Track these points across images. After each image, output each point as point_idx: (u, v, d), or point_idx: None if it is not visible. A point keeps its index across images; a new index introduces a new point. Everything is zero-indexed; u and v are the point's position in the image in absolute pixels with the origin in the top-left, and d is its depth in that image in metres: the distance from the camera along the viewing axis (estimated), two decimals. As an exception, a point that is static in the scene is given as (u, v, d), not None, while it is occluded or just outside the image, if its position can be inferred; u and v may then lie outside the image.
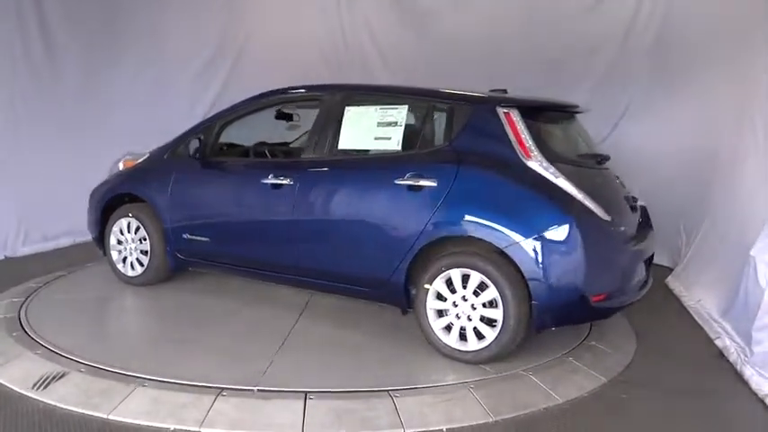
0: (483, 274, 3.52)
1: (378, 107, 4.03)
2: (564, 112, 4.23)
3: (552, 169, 3.52)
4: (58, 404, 3.03)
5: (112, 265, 5.02)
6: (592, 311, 3.58)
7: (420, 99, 4.10)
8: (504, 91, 4.11)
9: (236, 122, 4.71)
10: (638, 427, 3.09)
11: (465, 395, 3.20)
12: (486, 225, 3.52)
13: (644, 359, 3.89)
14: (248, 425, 2.90)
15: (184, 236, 4.64)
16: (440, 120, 3.92)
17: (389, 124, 3.95)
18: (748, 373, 3.58)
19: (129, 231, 4.91)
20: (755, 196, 4.39)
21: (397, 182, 3.75)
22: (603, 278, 3.55)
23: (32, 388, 3.16)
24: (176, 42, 7.36)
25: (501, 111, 3.68)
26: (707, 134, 5.78)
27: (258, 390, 3.18)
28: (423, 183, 3.68)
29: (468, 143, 3.73)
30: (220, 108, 4.98)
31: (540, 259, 3.39)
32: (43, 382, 3.20)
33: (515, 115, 3.65)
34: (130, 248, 4.91)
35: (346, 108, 4.13)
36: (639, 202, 4.24)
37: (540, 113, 3.92)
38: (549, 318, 3.52)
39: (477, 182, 3.64)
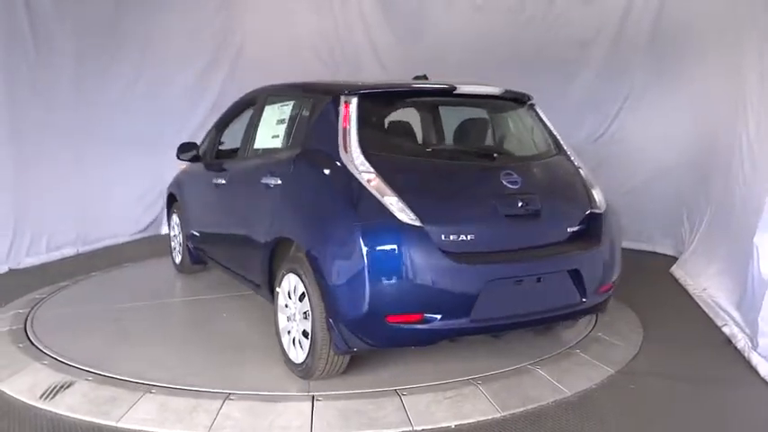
0: (302, 280, 3.24)
1: (279, 105, 4.04)
2: (452, 98, 3.81)
3: (365, 166, 3.09)
4: (66, 413, 3.02)
5: (171, 254, 5.72)
6: (399, 334, 3.00)
7: (299, 94, 3.92)
8: (425, 77, 3.94)
9: (231, 126, 4.88)
10: (648, 417, 3.07)
11: (472, 391, 3.19)
12: (296, 227, 3.37)
13: (651, 349, 3.87)
14: (256, 428, 2.90)
15: (191, 231, 5.14)
16: (308, 114, 3.66)
17: (280, 122, 3.93)
18: (755, 359, 3.57)
19: (176, 225, 5.58)
20: (752, 184, 4.40)
21: (261, 181, 3.69)
22: (410, 296, 2.95)
23: (40, 398, 3.16)
24: (173, 46, 7.36)
25: (342, 101, 3.34)
26: (705, 123, 5.79)
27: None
28: (272, 181, 3.58)
29: (313, 137, 3.48)
30: (220, 109, 5.31)
31: (325, 267, 3.04)
32: (50, 392, 3.20)
33: (352, 105, 3.29)
34: (176, 240, 5.57)
35: (265, 108, 4.18)
36: (593, 209, 3.53)
37: (404, 100, 3.70)
38: (345, 337, 3.05)
39: (300, 179, 3.44)
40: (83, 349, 3.70)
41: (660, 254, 6.39)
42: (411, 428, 2.89)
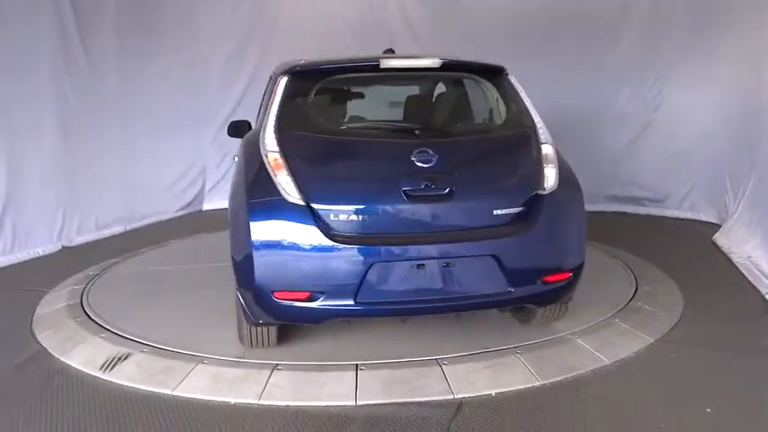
0: None
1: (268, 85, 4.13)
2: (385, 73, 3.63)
3: (272, 144, 3.17)
4: (126, 383, 3.20)
5: None
6: (289, 311, 3.07)
7: (272, 74, 3.97)
8: (392, 51, 3.92)
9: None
10: (690, 386, 3.07)
11: (512, 360, 3.26)
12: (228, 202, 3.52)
13: (693, 317, 3.84)
14: (304, 396, 3.02)
15: None
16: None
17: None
18: (801, 327, 3.53)
19: None
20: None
21: (235, 159, 3.83)
22: (293, 274, 3.01)
23: (100, 369, 3.35)
24: (207, 29, 7.47)
25: (277, 80, 3.41)
26: (748, 85, 5.61)
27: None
28: (236, 159, 3.74)
29: (258, 116, 3.58)
30: (256, 85, 5.37)
31: (232, 241, 3.25)
32: (110, 363, 3.39)
33: (279, 84, 3.36)
34: None
35: (267, 88, 4.23)
36: (538, 191, 3.23)
37: (336, 77, 3.65)
38: (249, 309, 3.18)
39: (240, 157, 3.57)
40: (137, 322, 3.87)
41: (704, 221, 6.29)
42: (453, 397, 2.97)
